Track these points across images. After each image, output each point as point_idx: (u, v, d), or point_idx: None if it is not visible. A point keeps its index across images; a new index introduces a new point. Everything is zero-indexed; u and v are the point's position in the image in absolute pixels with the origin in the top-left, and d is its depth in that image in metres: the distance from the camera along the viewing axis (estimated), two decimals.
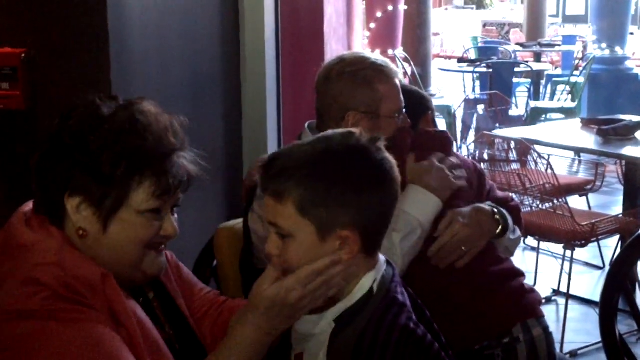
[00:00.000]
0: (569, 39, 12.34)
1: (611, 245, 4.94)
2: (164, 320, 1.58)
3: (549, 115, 8.17)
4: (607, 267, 4.76)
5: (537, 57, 11.00)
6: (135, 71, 2.58)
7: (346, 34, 4.64)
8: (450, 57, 15.58)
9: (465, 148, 6.85)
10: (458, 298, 2.12)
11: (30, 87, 2.47)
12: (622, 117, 4.86)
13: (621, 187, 4.81)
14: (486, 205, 2.19)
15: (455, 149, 2.52)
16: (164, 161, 1.45)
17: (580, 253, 4.57)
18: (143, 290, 1.58)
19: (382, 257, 1.52)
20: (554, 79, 9.88)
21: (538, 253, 4.85)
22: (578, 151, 5.67)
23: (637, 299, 3.60)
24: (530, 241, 5.01)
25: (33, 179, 1.48)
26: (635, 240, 2.56)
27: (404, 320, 1.44)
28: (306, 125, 2.26)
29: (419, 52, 8.86)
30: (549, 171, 4.15)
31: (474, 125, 7.40)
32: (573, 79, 8.68)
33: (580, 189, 4.96)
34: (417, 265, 2.07)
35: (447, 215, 2.11)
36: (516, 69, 8.58)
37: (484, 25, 19.30)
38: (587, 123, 4.93)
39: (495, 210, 2.18)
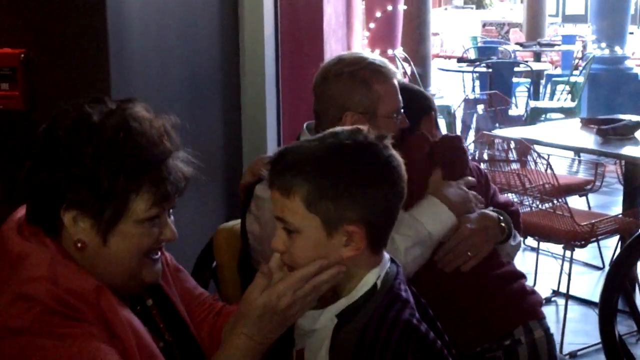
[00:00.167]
0: (569, 39, 12.34)
1: (611, 246, 4.93)
2: (163, 327, 1.57)
3: (548, 115, 8.17)
4: (607, 268, 4.76)
5: (537, 57, 10.99)
6: (134, 72, 2.57)
7: (345, 34, 4.63)
8: (449, 57, 15.58)
9: None
10: (461, 301, 2.12)
11: (29, 87, 2.47)
12: (621, 116, 4.86)
13: (621, 187, 4.80)
14: (492, 211, 2.20)
15: None
16: (161, 168, 1.43)
17: (579, 253, 4.57)
18: (141, 298, 1.57)
19: (386, 255, 1.53)
20: (554, 79, 9.88)
21: (538, 253, 4.85)
22: (578, 151, 5.67)
23: (636, 299, 3.61)
24: (530, 241, 5.01)
25: (25, 189, 1.45)
26: (634, 241, 2.56)
27: (406, 316, 1.44)
28: (305, 125, 2.26)
29: (418, 52, 8.85)
30: (549, 171, 4.15)
31: (473, 125, 7.40)
32: (573, 79, 8.68)
33: (579, 189, 4.96)
34: (422, 268, 2.08)
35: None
36: (516, 69, 8.58)
37: (484, 25, 19.30)
38: (586, 123, 4.93)
39: (501, 217, 2.19)
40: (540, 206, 4.18)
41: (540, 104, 8.69)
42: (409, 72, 7.71)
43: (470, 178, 2.20)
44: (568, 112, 7.91)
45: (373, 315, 1.43)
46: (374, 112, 2.13)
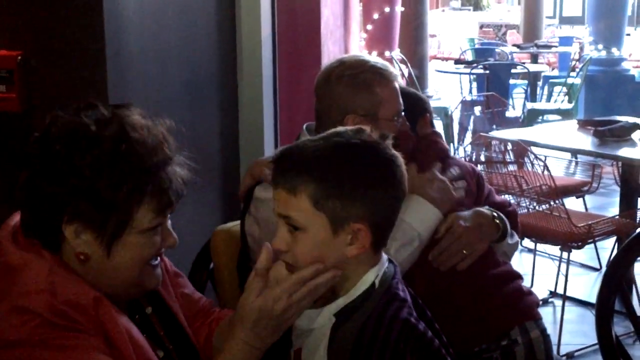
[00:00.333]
0: (566, 40, 12.36)
1: (608, 247, 4.94)
2: (163, 335, 1.56)
3: (545, 117, 8.17)
4: (604, 269, 4.77)
5: (534, 59, 11.00)
6: (131, 74, 2.57)
7: (343, 35, 4.64)
8: (447, 59, 15.58)
9: (462, 150, 6.85)
10: (457, 301, 2.12)
11: (26, 89, 2.47)
12: (618, 118, 4.87)
13: (618, 189, 4.81)
14: (486, 209, 2.20)
15: (452, 152, 2.52)
16: (162, 176, 1.42)
17: (576, 254, 4.57)
18: (140, 305, 1.56)
19: (384, 255, 1.54)
20: (551, 80, 9.90)
21: (535, 255, 4.86)
22: (575, 152, 5.67)
23: (633, 300, 3.61)
24: (527, 243, 5.01)
25: (21, 201, 1.42)
26: (631, 242, 2.56)
27: (405, 315, 1.44)
28: (305, 126, 2.27)
29: (415, 53, 8.87)
30: (546, 172, 4.16)
31: (470, 126, 7.41)
32: (570, 80, 8.69)
33: (576, 190, 4.96)
34: (417, 267, 2.08)
35: (448, 218, 2.12)
36: (513, 71, 8.60)
37: (481, 27, 19.31)
38: (583, 124, 4.94)
39: (495, 214, 2.19)
40: (537, 207, 4.19)
41: (537, 105, 8.70)
42: (406, 74, 7.71)
43: (438, 163, 2.19)
44: (565, 114, 7.92)
45: (371, 314, 1.44)
46: (376, 114, 2.13)
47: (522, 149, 4.54)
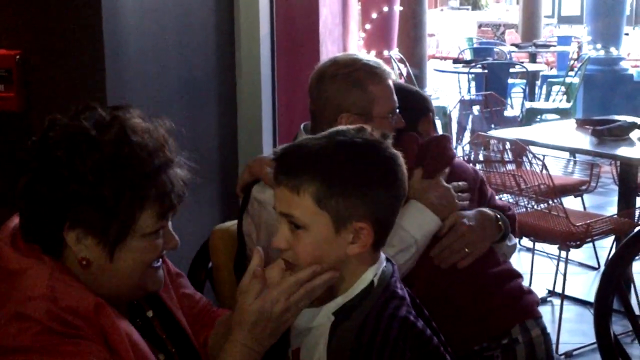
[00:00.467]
0: (564, 40, 12.37)
1: (606, 246, 4.95)
2: (165, 338, 1.56)
3: (544, 116, 8.18)
4: (602, 268, 4.77)
5: (532, 58, 11.01)
6: (130, 73, 2.57)
7: (341, 35, 4.64)
8: (445, 58, 15.59)
9: (460, 149, 6.85)
10: (458, 300, 2.13)
11: (25, 88, 2.47)
12: (616, 117, 4.88)
13: (616, 188, 4.81)
14: (489, 210, 2.20)
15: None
16: (164, 180, 1.41)
17: (575, 254, 4.57)
18: (142, 309, 1.56)
19: (382, 254, 1.54)
20: (549, 80, 9.90)
21: (533, 254, 4.86)
22: (573, 152, 5.67)
23: (632, 299, 3.61)
24: (525, 242, 5.02)
25: (22, 207, 1.41)
26: (630, 240, 2.56)
27: (403, 313, 1.45)
28: (302, 126, 2.27)
29: (414, 53, 8.87)
30: (544, 172, 4.16)
31: (469, 126, 7.42)
32: (568, 80, 8.69)
33: (575, 189, 4.97)
34: (418, 266, 2.08)
35: (452, 216, 2.12)
36: (511, 70, 8.60)
37: (479, 26, 19.32)
38: (582, 124, 4.94)
39: (498, 216, 2.20)
40: (535, 207, 4.19)
41: (535, 104, 8.70)
42: (404, 73, 7.71)
43: (445, 170, 2.19)
44: (563, 113, 7.92)
45: (370, 313, 1.44)
46: (370, 112, 2.13)
47: (520, 148, 4.54)
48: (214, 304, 1.79)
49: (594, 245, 4.80)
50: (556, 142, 4.72)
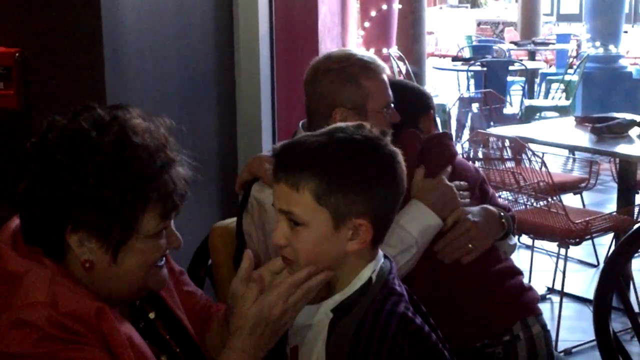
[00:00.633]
0: (563, 38, 12.37)
1: (605, 243, 4.95)
2: (168, 339, 1.55)
3: (543, 114, 8.19)
4: (601, 265, 4.78)
5: (532, 56, 11.01)
6: (129, 71, 2.58)
7: (340, 33, 4.64)
8: (444, 56, 15.60)
9: (459, 147, 6.85)
10: (460, 297, 2.13)
11: (24, 86, 2.47)
12: (615, 115, 4.87)
13: (615, 185, 4.82)
14: (493, 208, 2.21)
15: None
16: (166, 180, 1.40)
17: (574, 251, 4.58)
18: (144, 311, 1.55)
19: (380, 250, 1.54)
20: (548, 78, 9.90)
21: (532, 251, 4.86)
22: (572, 149, 5.68)
23: (631, 296, 3.62)
24: (525, 239, 5.02)
25: (22, 210, 1.40)
26: (629, 238, 2.56)
27: (402, 309, 1.45)
28: (300, 124, 2.27)
29: (413, 50, 8.85)
30: (543, 169, 4.16)
31: (468, 123, 7.41)
32: (567, 77, 8.69)
33: (574, 186, 4.97)
34: (420, 264, 2.08)
35: (456, 211, 2.11)
36: (510, 68, 8.60)
37: (479, 24, 19.32)
38: (581, 121, 4.95)
39: (502, 213, 2.20)
40: (534, 204, 4.19)
41: (534, 102, 8.71)
42: (403, 71, 7.71)
43: (447, 169, 2.19)
44: (562, 111, 7.92)
45: (369, 309, 1.44)
46: (364, 107, 2.14)
47: (519, 146, 4.55)
48: (213, 301, 1.79)
49: (593, 242, 4.81)
50: (555, 139, 4.72)
